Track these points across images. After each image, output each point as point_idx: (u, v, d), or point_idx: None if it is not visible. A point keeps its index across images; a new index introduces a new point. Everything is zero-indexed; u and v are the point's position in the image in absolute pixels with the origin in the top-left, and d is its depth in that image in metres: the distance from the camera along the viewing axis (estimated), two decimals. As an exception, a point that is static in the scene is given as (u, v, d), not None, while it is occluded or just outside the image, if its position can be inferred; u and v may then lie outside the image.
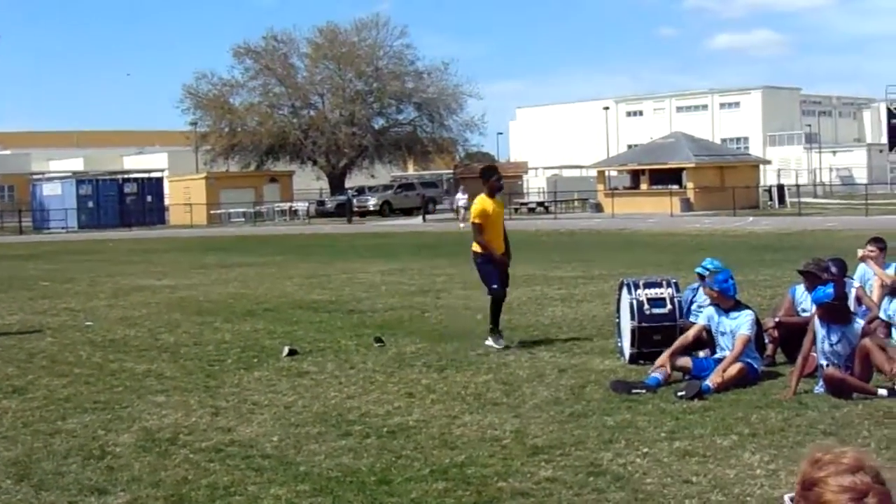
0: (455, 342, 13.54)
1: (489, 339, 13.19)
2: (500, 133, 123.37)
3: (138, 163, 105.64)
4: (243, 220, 72.93)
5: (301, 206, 76.75)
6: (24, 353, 13.95)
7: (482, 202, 13.52)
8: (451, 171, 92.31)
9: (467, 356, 12.50)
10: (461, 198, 53.85)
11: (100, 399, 10.68)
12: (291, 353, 12.94)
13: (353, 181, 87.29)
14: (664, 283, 12.21)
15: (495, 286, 13.49)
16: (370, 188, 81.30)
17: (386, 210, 74.40)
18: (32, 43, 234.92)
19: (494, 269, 13.54)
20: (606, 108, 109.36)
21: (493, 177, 13.78)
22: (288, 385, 11.08)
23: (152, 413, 9.96)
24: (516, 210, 65.64)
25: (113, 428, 9.38)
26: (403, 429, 8.97)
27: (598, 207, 65.45)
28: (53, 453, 8.56)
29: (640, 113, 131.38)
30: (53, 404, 10.52)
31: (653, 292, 12.01)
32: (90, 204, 72.74)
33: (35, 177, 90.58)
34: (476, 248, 13.63)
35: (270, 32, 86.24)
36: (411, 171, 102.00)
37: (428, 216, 64.49)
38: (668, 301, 11.94)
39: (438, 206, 75.27)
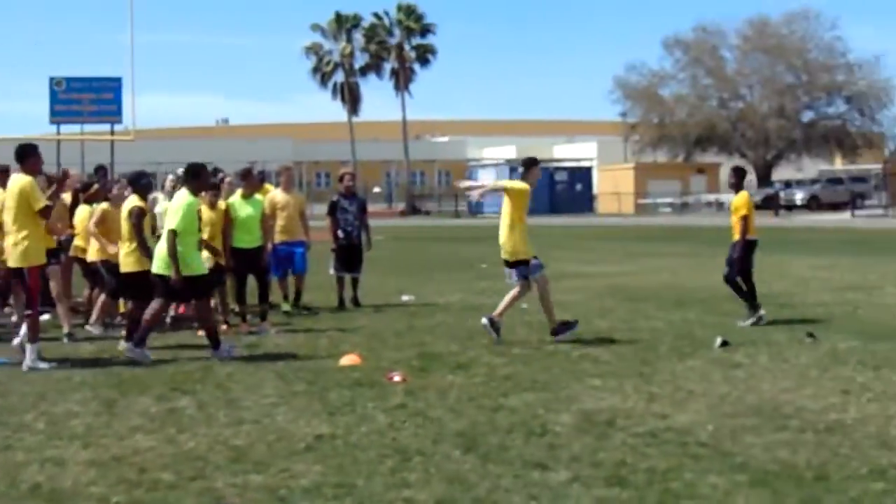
0: (890, 341, 13.07)
1: None
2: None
3: (568, 152, 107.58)
4: (670, 210, 72.90)
5: (727, 198, 75.79)
6: (465, 332, 14.62)
7: None
8: (881, 166, 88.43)
9: (904, 356, 12.05)
10: None
11: (538, 379, 11.06)
12: (724, 343, 12.90)
13: (779, 174, 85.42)
14: None
15: None
16: (797, 182, 79.22)
17: (813, 205, 72.29)
18: (469, 35, 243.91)
19: None
20: None
21: None
22: (721, 375, 11.06)
23: (589, 395, 10.21)
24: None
25: (552, 407, 9.69)
26: (840, 426, 8.77)
27: None
28: (497, 428, 8.94)
29: None
30: (495, 381, 10.99)
31: None
32: (521, 191, 74.70)
33: (471, 163, 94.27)
34: None
35: (700, 24, 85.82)
36: (838, 165, 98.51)
37: (856, 212, 62.14)
38: None
39: (867, 202, 72.35)
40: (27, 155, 12.32)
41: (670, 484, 7.24)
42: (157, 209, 15.69)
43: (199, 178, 13.11)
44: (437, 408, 9.77)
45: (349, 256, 17.57)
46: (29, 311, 12.27)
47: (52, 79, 59.39)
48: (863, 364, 11.59)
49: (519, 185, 14.02)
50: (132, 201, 13.57)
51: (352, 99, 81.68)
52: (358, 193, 18.67)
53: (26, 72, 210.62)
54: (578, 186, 77.36)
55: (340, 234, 17.44)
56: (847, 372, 11.16)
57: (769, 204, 68.89)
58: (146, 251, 13.18)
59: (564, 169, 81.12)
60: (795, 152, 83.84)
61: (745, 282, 15.37)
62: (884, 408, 9.45)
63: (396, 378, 11.07)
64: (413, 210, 79.54)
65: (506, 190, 14.03)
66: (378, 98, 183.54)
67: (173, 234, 12.47)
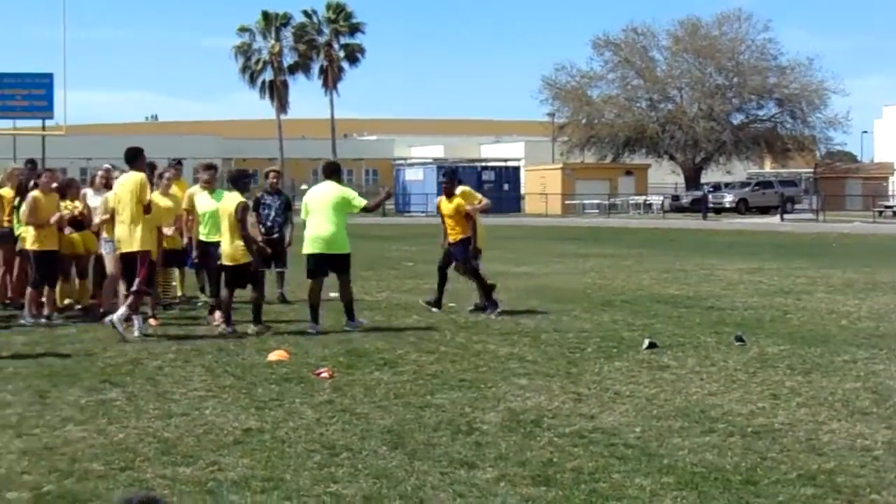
0: (819, 346, 13.20)
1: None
2: (865, 132, 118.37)
3: (495, 151, 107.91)
4: (597, 211, 73.34)
5: (655, 199, 76.41)
6: (392, 329, 14.64)
7: None
8: (812, 169, 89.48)
9: (833, 361, 12.14)
10: None
11: (465, 377, 11.07)
12: (651, 345, 12.98)
13: (708, 177, 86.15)
14: None
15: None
16: (726, 185, 79.93)
17: (742, 208, 73.07)
18: (397, 34, 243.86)
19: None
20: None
21: None
22: (648, 377, 11.13)
23: (516, 395, 10.23)
24: (881, 213, 62.96)
25: (479, 406, 9.71)
26: (768, 430, 8.83)
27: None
28: (424, 425, 8.95)
29: None
30: (422, 379, 11.00)
31: None
32: (449, 189, 74.74)
33: (398, 162, 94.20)
34: None
35: (630, 25, 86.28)
36: (768, 168, 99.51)
37: (786, 216, 62.86)
38: None
39: (797, 206, 73.20)
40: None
41: (597, 484, 7.27)
42: (91, 203, 16.09)
43: (339, 172, 15.28)
44: (365, 404, 9.76)
45: (270, 251, 17.52)
46: None
47: (-16, 74, 58.59)
48: (792, 368, 11.67)
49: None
50: (235, 198, 14.10)
51: (280, 97, 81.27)
52: (283, 191, 18.67)
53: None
54: (506, 186, 77.52)
55: (261, 229, 17.38)
56: (776, 376, 11.23)
57: (697, 207, 69.55)
58: (250, 244, 14.19)
59: (492, 168, 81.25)
60: (725, 155, 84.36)
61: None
62: (813, 413, 9.51)
63: (324, 374, 11.04)
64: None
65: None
66: (306, 96, 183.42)
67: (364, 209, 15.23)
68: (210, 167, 16.04)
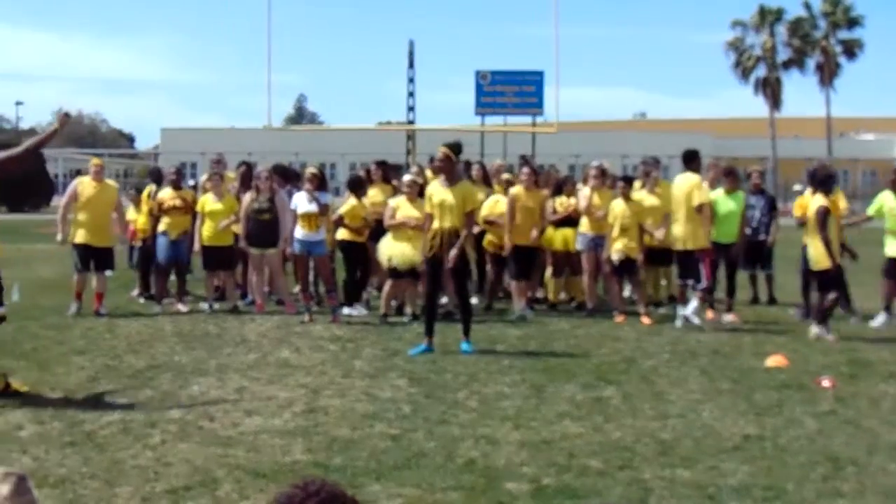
0: None
1: None
2: None
3: None
4: None
5: None
6: (896, 339, 13.96)
7: None
8: None
9: None
10: None
11: None
12: None
13: None
14: None
15: None
16: None
17: None
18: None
19: None
20: None
21: None
22: None
23: None
24: None
25: None
26: None
27: None
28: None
29: None
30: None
31: None
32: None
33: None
34: None
35: None
36: None
37: None
38: None
39: None
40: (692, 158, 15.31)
41: None
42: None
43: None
44: (870, 417, 9.38)
45: (754, 253, 17.27)
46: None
47: (477, 72, 60.93)
48: None
49: None
50: (818, 201, 14.13)
51: (773, 94, 79.66)
52: (766, 190, 18.30)
53: (453, 66, 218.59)
54: None
55: (747, 230, 17.08)
56: None
57: None
58: (829, 247, 13.78)
59: None
60: None
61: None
62: None
63: (825, 383, 10.68)
64: (833, 209, 76.68)
65: None
66: (800, 93, 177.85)
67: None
68: (732, 171, 16.26)
